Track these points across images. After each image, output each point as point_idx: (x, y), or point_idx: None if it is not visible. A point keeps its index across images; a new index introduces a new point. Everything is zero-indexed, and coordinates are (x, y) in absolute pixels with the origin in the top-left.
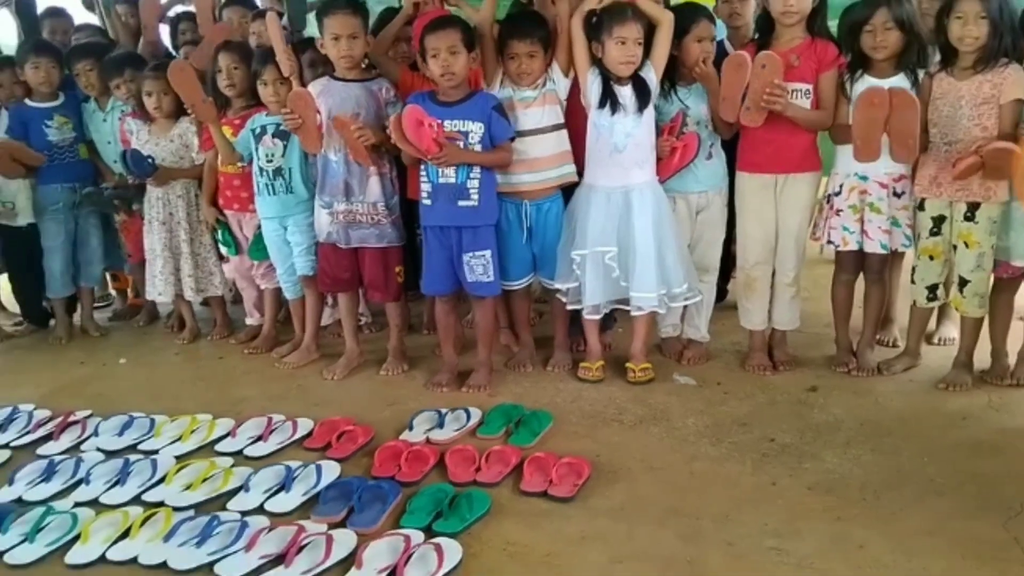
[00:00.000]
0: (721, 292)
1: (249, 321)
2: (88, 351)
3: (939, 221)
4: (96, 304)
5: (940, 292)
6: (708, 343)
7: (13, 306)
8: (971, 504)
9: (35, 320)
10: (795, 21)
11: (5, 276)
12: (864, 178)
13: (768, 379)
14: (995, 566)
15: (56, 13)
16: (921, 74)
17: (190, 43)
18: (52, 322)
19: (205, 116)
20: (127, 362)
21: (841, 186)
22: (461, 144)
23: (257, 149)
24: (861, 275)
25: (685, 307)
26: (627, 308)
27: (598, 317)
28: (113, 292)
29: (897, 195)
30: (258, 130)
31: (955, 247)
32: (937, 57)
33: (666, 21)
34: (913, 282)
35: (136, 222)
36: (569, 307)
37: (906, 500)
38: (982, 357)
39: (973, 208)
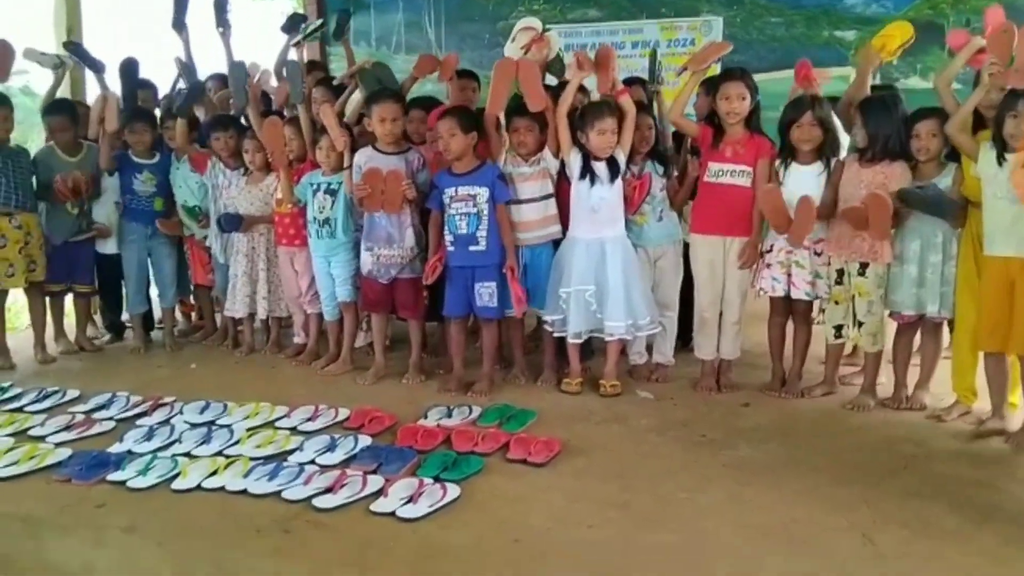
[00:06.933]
0: (688, 338)
1: (296, 340)
2: (164, 359)
3: (841, 274)
4: (160, 325)
5: (845, 331)
6: (672, 367)
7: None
8: (841, 479)
9: (113, 331)
10: (736, 121)
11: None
12: None
13: (713, 397)
14: (842, 513)
15: (145, 85)
16: (834, 161)
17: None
18: (128, 334)
19: (281, 163)
20: (197, 367)
21: (772, 245)
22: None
23: (313, 201)
24: None
25: (652, 338)
26: (602, 336)
27: (580, 342)
28: (180, 315)
29: (817, 254)
30: (314, 186)
31: (854, 296)
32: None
33: (631, 114)
34: (823, 322)
35: (197, 250)
36: (556, 335)
37: (792, 475)
38: (889, 387)
39: (864, 266)
